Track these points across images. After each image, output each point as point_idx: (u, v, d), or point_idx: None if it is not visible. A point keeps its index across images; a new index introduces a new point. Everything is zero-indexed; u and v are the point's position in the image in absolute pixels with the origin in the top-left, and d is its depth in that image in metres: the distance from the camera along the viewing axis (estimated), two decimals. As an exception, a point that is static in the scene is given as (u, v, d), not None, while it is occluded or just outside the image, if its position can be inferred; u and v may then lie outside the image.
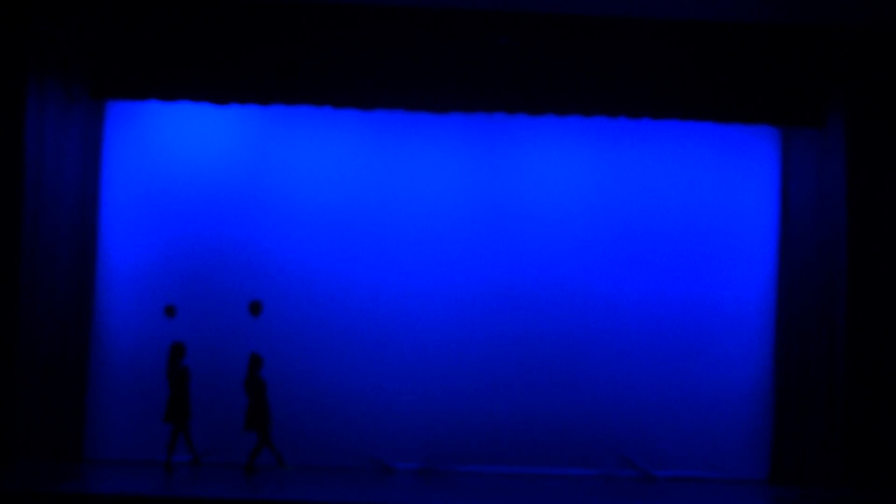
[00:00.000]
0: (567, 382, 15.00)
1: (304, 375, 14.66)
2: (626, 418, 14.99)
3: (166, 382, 14.18)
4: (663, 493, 13.92)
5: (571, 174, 15.28)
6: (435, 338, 15.03)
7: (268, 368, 14.34)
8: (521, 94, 14.10)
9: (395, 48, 14.02)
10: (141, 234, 15.07)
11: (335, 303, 15.01)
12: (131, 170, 15.13)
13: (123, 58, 13.96)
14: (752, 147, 15.34)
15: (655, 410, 14.99)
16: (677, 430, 14.99)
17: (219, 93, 14.13)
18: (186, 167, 15.15)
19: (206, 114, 14.91)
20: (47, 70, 14.54)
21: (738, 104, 14.21)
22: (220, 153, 15.20)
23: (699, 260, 15.22)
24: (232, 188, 15.16)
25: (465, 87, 14.08)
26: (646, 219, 15.22)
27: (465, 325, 15.05)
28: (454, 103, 14.18)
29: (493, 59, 14.05)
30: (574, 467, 14.92)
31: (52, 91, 14.58)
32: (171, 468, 14.08)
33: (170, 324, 14.69)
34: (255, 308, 14.20)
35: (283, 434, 14.46)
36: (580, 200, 15.24)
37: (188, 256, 15.05)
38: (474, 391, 14.98)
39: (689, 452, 14.98)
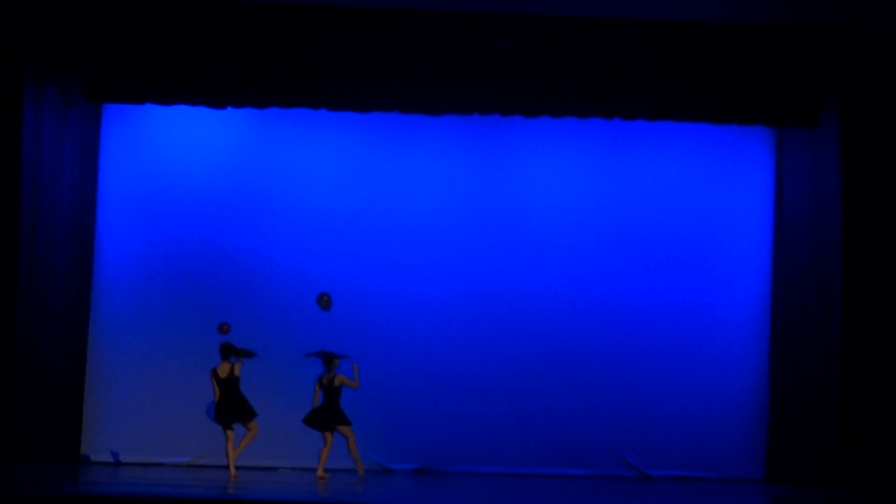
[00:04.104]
0: (563, 383, 15.02)
1: (301, 377, 14.65)
2: (623, 419, 14.99)
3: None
4: (660, 492, 13.95)
5: (565, 176, 15.28)
6: (431, 339, 15.04)
7: (263, 371, 14.38)
8: (516, 95, 14.09)
9: (391, 51, 14.03)
10: (138, 237, 15.08)
11: (333, 304, 15.01)
12: (128, 173, 15.13)
13: (120, 61, 13.97)
14: (745, 148, 15.34)
15: (651, 410, 14.99)
16: (673, 431, 14.99)
17: (215, 96, 14.13)
18: (184, 170, 15.16)
19: (202, 116, 14.92)
20: (44, 73, 14.58)
21: (732, 105, 14.20)
22: (217, 156, 15.21)
23: (693, 261, 15.23)
24: (229, 191, 15.17)
25: (460, 88, 14.07)
26: (640, 220, 15.22)
27: (460, 327, 15.04)
28: (449, 105, 14.18)
29: (488, 61, 14.05)
30: (571, 467, 14.95)
31: (48, 94, 14.62)
32: (235, 472, 13.83)
33: (168, 324, 14.77)
34: (324, 301, 14.08)
35: (282, 435, 14.52)
36: (575, 202, 15.24)
37: (186, 258, 15.05)
38: (471, 392, 14.99)
39: (686, 452, 14.98)
